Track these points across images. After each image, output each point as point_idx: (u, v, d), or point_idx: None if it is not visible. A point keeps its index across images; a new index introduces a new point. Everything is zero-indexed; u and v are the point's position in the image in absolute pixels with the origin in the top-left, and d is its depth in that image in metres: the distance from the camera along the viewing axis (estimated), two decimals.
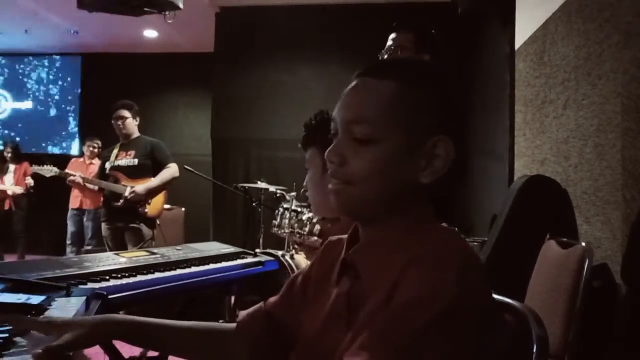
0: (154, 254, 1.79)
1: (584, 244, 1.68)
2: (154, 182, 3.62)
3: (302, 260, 3.05)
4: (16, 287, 1.14)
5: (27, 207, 6.21)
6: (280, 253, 3.06)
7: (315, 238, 3.11)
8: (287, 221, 3.32)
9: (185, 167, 3.74)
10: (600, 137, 2.02)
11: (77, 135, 7.76)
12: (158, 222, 3.75)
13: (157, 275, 1.58)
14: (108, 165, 3.70)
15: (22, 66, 8.03)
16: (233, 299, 3.30)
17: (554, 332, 1.58)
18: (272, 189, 3.86)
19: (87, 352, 0.82)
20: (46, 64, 7.99)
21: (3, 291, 1.10)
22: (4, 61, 8.04)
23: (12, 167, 6.16)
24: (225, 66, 5.55)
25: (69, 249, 5.72)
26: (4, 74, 8.05)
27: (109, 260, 1.62)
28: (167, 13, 3.76)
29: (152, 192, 3.61)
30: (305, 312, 0.83)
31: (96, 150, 5.84)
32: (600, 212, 2.00)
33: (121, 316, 0.86)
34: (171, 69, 7.20)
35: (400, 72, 0.74)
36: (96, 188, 4.13)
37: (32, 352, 0.71)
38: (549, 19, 2.65)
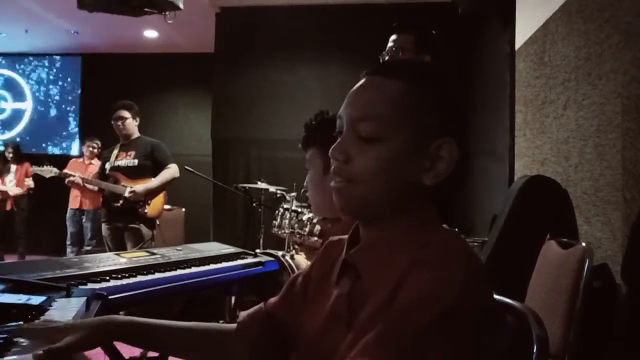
0: (154, 254, 1.79)
1: (584, 244, 1.68)
2: (153, 182, 3.62)
3: (302, 260, 3.05)
4: (16, 287, 1.14)
5: (28, 207, 6.22)
6: (280, 253, 3.06)
7: (315, 238, 3.11)
8: (287, 221, 3.32)
9: (185, 167, 3.74)
10: (600, 137, 2.02)
11: (77, 136, 7.76)
12: (157, 223, 3.74)
13: (157, 275, 1.58)
14: (108, 166, 3.70)
15: (22, 66, 8.03)
16: (233, 299, 3.30)
17: (554, 332, 1.58)
18: (272, 189, 3.86)
19: (87, 352, 0.82)
20: (46, 64, 7.99)
21: (3, 291, 1.10)
22: (4, 61, 8.04)
23: (13, 167, 6.17)
24: (225, 66, 5.55)
25: (69, 249, 5.73)
26: (4, 74, 8.05)
27: (109, 261, 1.62)
28: (167, 13, 3.76)
29: (152, 193, 3.61)
30: (305, 312, 0.83)
31: (95, 151, 5.84)
32: (600, 212, 2.00)
33: (122, 317, 0.86)
34: (171, 69, 7.20)
35: (407, 72, 0.74)
36: (96, 188, 4.13)
37: (33, 352, 0.71)
38: (549, 19, 2.65)
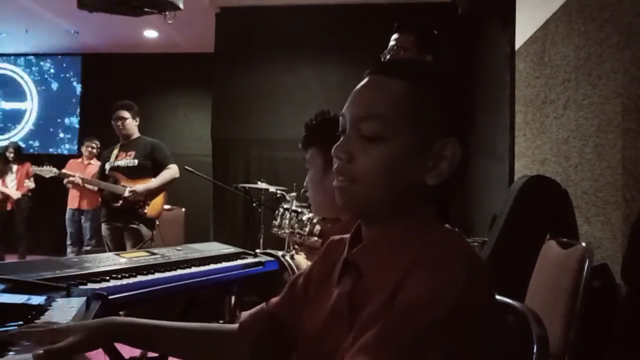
0: (154, 254, 1.79)
1: (584, 244, 1.68)
2: (153, 182, 3.61)
3: (302, 260, 3.05)
4: (16, 287, 1.14)
5: (29, 207, 6.22)
6: (280, 253, 3.06)
7: (315, 238, 3.11)
8: (287, 221, 3.32)
9: (185, 167, 3.73)
10: (600, 137, 2.02)
11: (77, 136, 7.76)
12: (157, 223, 3.74)
13: (157, 275, 1.58)
14: (108, 166, 3.69)
15: (22, 66, 8.03)
16: (233, 299, 3.30)
17: (554, 332, 1.58)
18: (272, 189, 3.86)
19: (88, 352, 0.82)
20: (46, 64, 7.99)
21: (3, 291, 1.10)
22: (4, 61, 8.04)
23: (14, 167, 6.18)
24: (225, 66, 5.55)
25: (69, 249, 5.73)
26: (4, 74, 8.05)
27: (109, 261, 1.62)
28: (167, 13, 3.76)
29: (152, 193, 3.61)
30: (306, 311, 0.83)
31: (94, 151, 5.85)
32: (600, 212, 2.00)
33: (122, 318, 0.86)
34: (171, 69, 7.20)
35: (410, 71, 0.74)
36: (95, 188, 4.13)
37: (33, 352, 0.71)
38: (549, 19, 2.65)
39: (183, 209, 5.50)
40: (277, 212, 3.51)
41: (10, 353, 0.74)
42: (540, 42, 2.78)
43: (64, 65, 7.93)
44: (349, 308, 0.73)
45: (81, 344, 0.77)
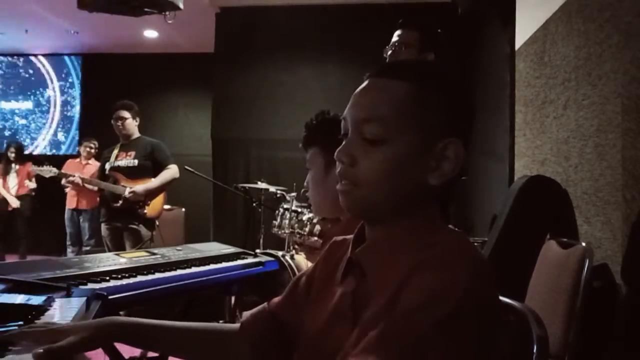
0: (154, 254, 1.79)
1: (584, 244, 1.68)
2: (153, 182, 3.61)
3: (302, 261, 3.05)
4: (16, 287, 1.14)
5: (29, 208, 6.21)
6: (280, 253, 3.06)
7: (315, 238, 3.11)
8: (287, 221, 3.32)
9: (185, 167, 3.73)
10: (600, 137, 2.02)
11: (77, 135, 7.76)
12: (157, 223, 3.74)
13: (157, 275, 1.58)
14: (108, 166, 3.69)
15: (22, 66, 8.03)
16: (233, 299, 3.30)
17: (554, 332, 1.58)
18: (272, 189, 3.86)
19: (88, 352, 0.82)
20: (46, 64, 7.99)
21: (3, 291, 1.10)
22: (4, 61, 8.04)
23: (15, 167, 6.17)
24: (225, 66, 5.55)
25: (69, 250, 5.73)
26: (4, 74, 8.05)
27: (109, 261, 1.62)
28: (167, 13, 3.76)
29: (152, 193, 3.60)
30: (308, 311, 0.83)
31: (92, 151, 5.84)
32: (600, 212, 2.00)
33: (123, 318, 0.86)
34: (171, 69, 7.20)
35: (412, 72, 0.74)
36: (95, 188, 4.12)
37: (33, 351, 0.71)
38: (549, 19, 2.65)
39: (183, 209, 5.50)
40: (277, 212, 3.50)
41: (10, 353, 0.74)
42: (540, 42, 2.78)
43: (64, 65, 7.92)
44: (351, 307, 0.73)
45: (81, 343, 0.77)
